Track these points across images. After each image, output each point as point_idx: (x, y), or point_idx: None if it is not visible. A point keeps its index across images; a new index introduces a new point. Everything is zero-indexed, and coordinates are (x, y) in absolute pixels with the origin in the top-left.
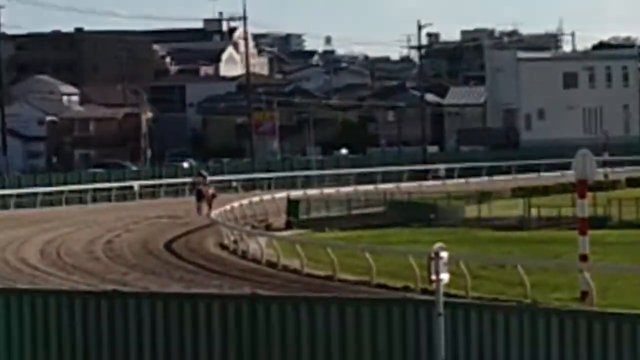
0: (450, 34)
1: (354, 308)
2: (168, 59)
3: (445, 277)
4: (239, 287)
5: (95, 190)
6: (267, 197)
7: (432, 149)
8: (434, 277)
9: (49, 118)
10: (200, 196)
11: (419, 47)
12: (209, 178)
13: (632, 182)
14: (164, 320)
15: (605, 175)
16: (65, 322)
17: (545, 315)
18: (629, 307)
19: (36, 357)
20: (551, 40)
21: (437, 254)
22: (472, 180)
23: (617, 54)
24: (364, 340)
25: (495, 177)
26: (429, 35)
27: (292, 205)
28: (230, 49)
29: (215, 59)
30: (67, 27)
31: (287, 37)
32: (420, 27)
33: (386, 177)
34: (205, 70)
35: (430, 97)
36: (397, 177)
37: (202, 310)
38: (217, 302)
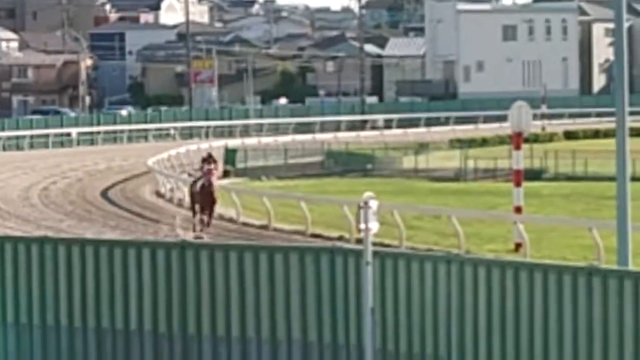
0: None
1: (282, 256)
2: (108, 6)
3: (374, 226)
4: (175, 235)
5: (32, 136)
6: (204, 145)
7: (371, 99)
8: (362, 226)
9: None
10: (207, 196)
11: None
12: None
13: (569, 135)
14: (95, 265)
15: (543, 128)
16: None
17: (473, 264)
18: (561, 259)
19: None
20: None
21: (366, 203)
22: (410, 131)
23: (557, 7)
24: (292, 289)
25: (433, 129)
26: None
27: (230, 154)
28: None
29: (155, 6)
30: None
31: None
32: None
33: (324, 127)
34: (145, 17)
35: (370, 47)
36: (336, 127)
37: (132, 256)
38: (146, 248)
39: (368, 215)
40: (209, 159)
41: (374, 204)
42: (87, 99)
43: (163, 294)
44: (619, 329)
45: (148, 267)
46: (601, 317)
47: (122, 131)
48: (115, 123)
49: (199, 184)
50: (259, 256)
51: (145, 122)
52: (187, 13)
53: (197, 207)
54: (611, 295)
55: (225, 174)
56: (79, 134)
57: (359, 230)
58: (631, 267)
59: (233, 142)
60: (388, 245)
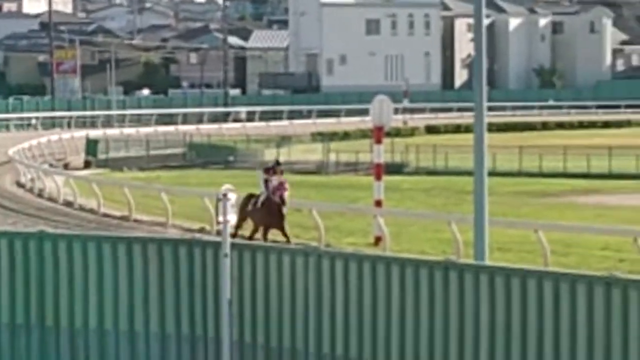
0: None
1: (141, 247)
2: None
3: (232, 218)
4: (35, 226)
5: None
6: (66, 135)
7: (234, 91)
8: (221, 218)
9: None
10: (273, 214)
11: None
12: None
13: (431, 129)
14: None
15: (405, 122)
16: None
17: (330, 258)
18: (420, 252)
19: None
20: None
21: (225, 195)
22: (273, 123)
23: (420, 2)
24: (151, 280)
25: (296, 121)
26: None
27: (91, 145)
28: None
29: None
30: None
31: None
32: None
33: (187, 119)
34: (8, 6)
35: (233, 40)
36: (198, 119)
37: None
38: (4, 239)
39: (226, 208)
40: (275, 167)
41: (232, 196)
42: None
43: (21, 285)
44: (475, 323)
45: (6, 258)
46: (457, 311)
47: None
48: None
49: (261, 198)
50: (117, 247)
51: (7, 111)
52: (50, 2)
53: (245, 224)
54: (467, 290)
55: (87, 165)
56: None
57: (218, 222)
58: (487, 261)
59: (95, 133)
60: (249, 238)
